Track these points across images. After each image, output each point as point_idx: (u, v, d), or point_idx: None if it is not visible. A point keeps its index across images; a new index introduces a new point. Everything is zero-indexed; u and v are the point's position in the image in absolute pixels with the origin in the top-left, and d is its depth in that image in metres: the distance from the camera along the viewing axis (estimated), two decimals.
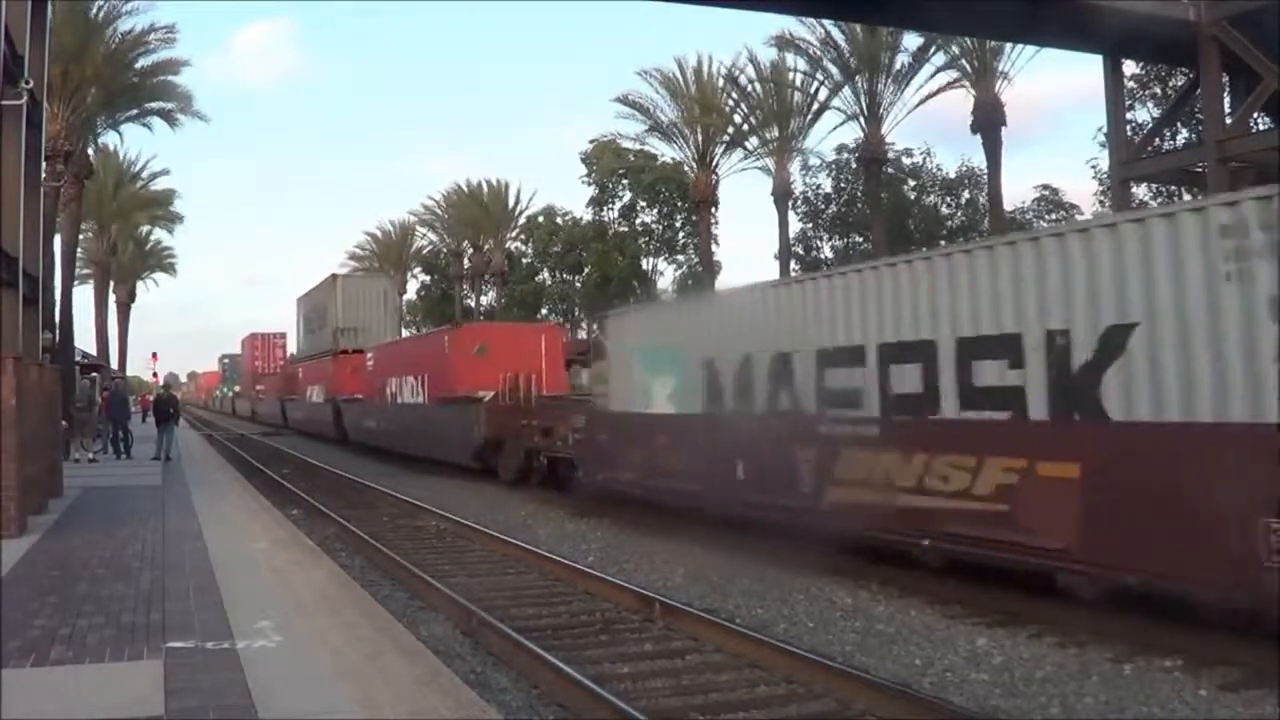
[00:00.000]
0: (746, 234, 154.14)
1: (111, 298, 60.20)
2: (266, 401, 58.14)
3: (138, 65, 33.38)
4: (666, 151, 47.13)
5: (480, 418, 20.93)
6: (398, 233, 74.79)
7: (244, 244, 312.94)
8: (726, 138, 42.97)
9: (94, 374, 33.18)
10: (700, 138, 43.43)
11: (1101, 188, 39.24)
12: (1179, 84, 30.60)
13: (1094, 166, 39.77)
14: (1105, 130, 30.32)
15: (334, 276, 38.78)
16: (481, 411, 20.90)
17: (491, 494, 19.04)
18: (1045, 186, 45.86)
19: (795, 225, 43.26)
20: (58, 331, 25.69)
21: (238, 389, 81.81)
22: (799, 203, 44.46)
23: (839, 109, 37.60)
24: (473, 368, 22.06)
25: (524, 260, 61.65)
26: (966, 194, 44.93)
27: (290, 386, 48.85)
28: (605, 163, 52.15)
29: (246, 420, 63.14)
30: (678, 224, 52.98)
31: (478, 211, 63.14)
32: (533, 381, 20.48)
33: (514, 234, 62.65)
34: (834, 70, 36.40)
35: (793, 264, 42.28)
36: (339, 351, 36.10)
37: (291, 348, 65.32)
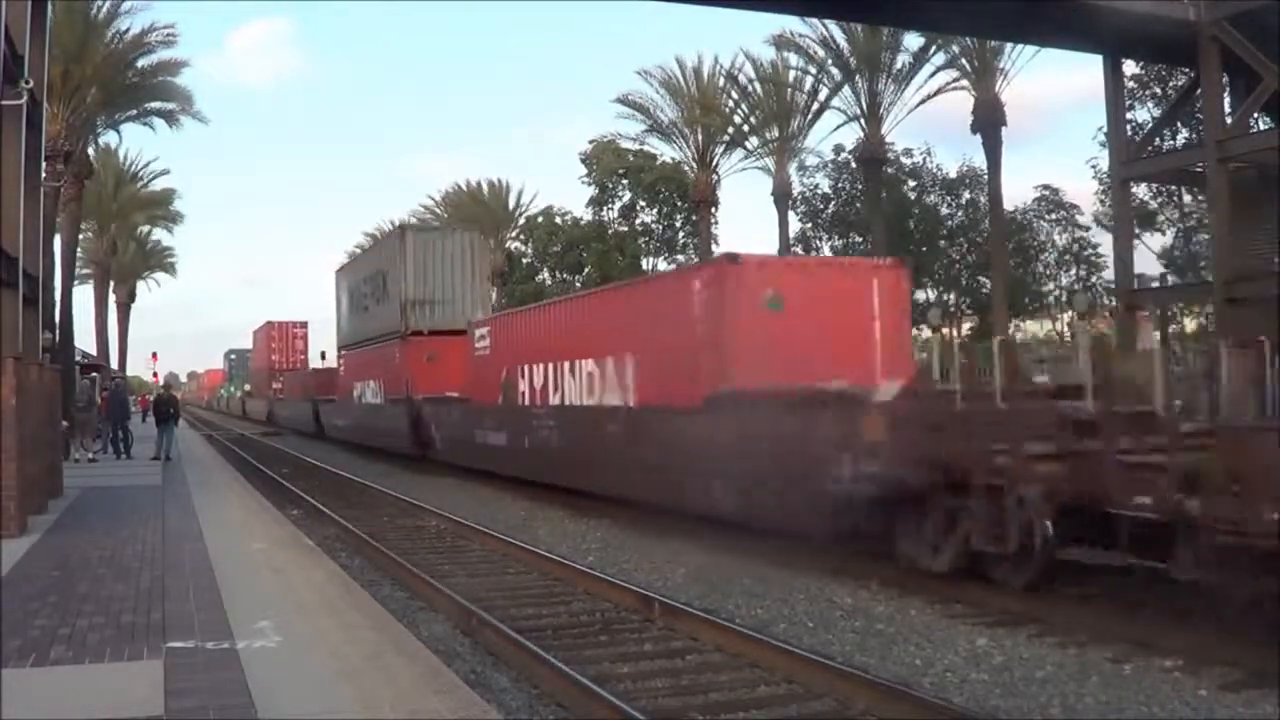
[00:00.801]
0: (746, 234, 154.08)
1: (111, 298, 60.26)
2: (290, 403, 49.39)
3: (138, 65, 33.41)
4: (666, 151, 47.21)
5: (867, 436, 9.89)
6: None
7: (244, 244, 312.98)
8: (726, 138, 43.00)
9: (94, 374, 33.17)
10: (700, 138, 43.47)
11: (1101, 188, 39.29)
12: (1179, 84, 30.62)
13: (1094, 166, 39.82)
14: (1105, 130, 30.36)
15: (402, 229, 28.38)
16: (875, 422, 9.88)
17: (488, 494, 19.04)
18: (1045, 186, 45.97)
19: (795, 225, 43.31)
20: (58, 331, 25.69)
21: (248, 387, 72.40)
22: (798, 203, 44.49)
23: (839, 109, 37.66)
24: (759, 336, 12.21)
25: (524, 260, 61.63)
26: (967, 194, 44.95)
27: (326, 384, 39.17)
28: (605, 163, 52.14)
29: (261, 424, 55.17)
30: (678, 224, 52.97)
31: (477, 211, 63.11)
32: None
33: (514, 234, 62.66)
34: (834, 70, 36.45)
35: None
36: (409, 334, 26.86)
37: (316, 339, 59.11)
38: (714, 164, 43.76)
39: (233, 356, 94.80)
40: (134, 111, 35.55)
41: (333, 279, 37.60)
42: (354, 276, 34.19)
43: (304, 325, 62.07)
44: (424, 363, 25.94)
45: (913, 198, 45.03)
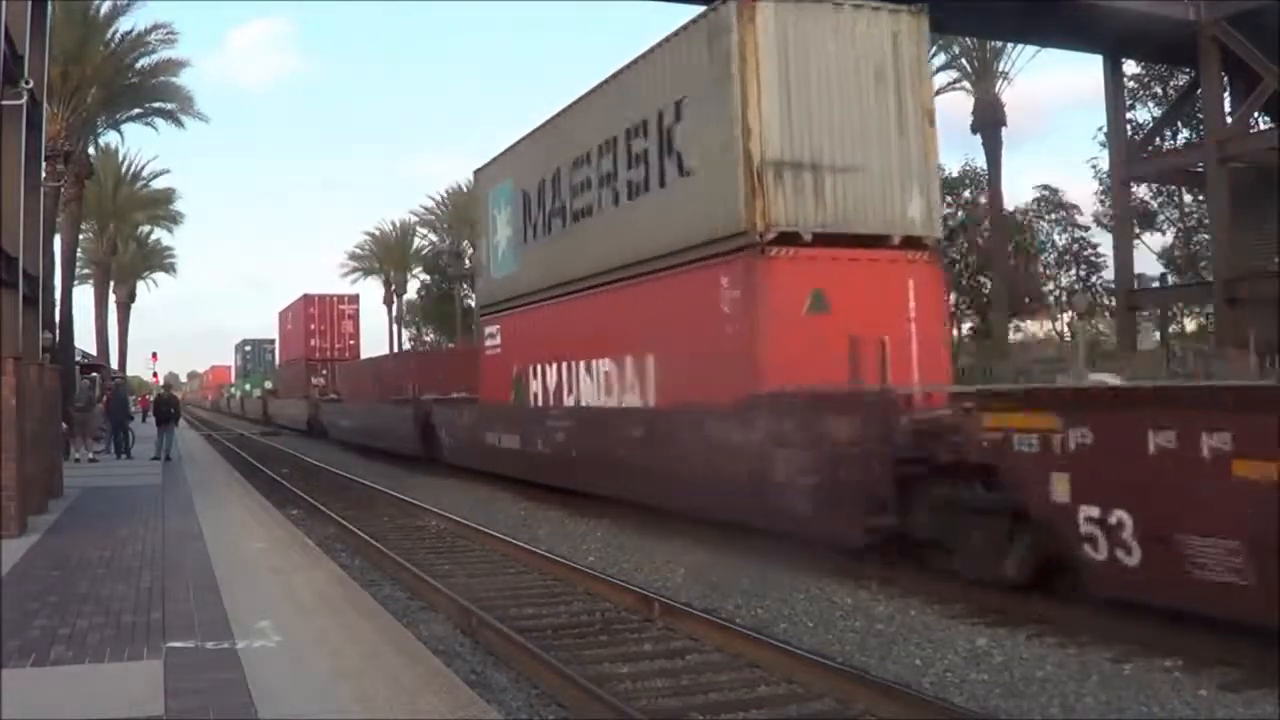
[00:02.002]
0: None
1: (111, 298, 60.24)
2: (351, 407, 34.22)
3: (138, 65, 33.45)
4: None
5: None
6: (398, 233, 74.84)
7: (244, 244, 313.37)
8: None
9: (94, 374, 33.17)
10: None
11: (1101, 187, 39.30)
12: (1179, 84, 30.63)
13: (1094, 166, 39.82)
14: (1105, 130, 30.38)
15: (751, 3, 11.82)
16: None
17: (488, 494, 19.03)
18: (1045, 186, 46.04)
19: None
20: (58, 331, 25.72)
21: (269, 385, 57.94)
22: None
23: None
24: None
25: None
26: (967, 193, 44.92)
27: (446, 376, 25.80)
28: None
29: (299, 433, 41.93)
30: None
31: (479, 211, 62.99)
32: None
33: None
34: None
35: None
36: (767, 242, 11.69)
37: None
38: None
39: (247, 348, 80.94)
40: (135, 111, 35.60)
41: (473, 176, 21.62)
42: (548, 157, 17.22)
43: (354, 300, 48.38)
44: (801, 315, 11.62)
45: None
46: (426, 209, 69.85)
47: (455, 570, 11.27)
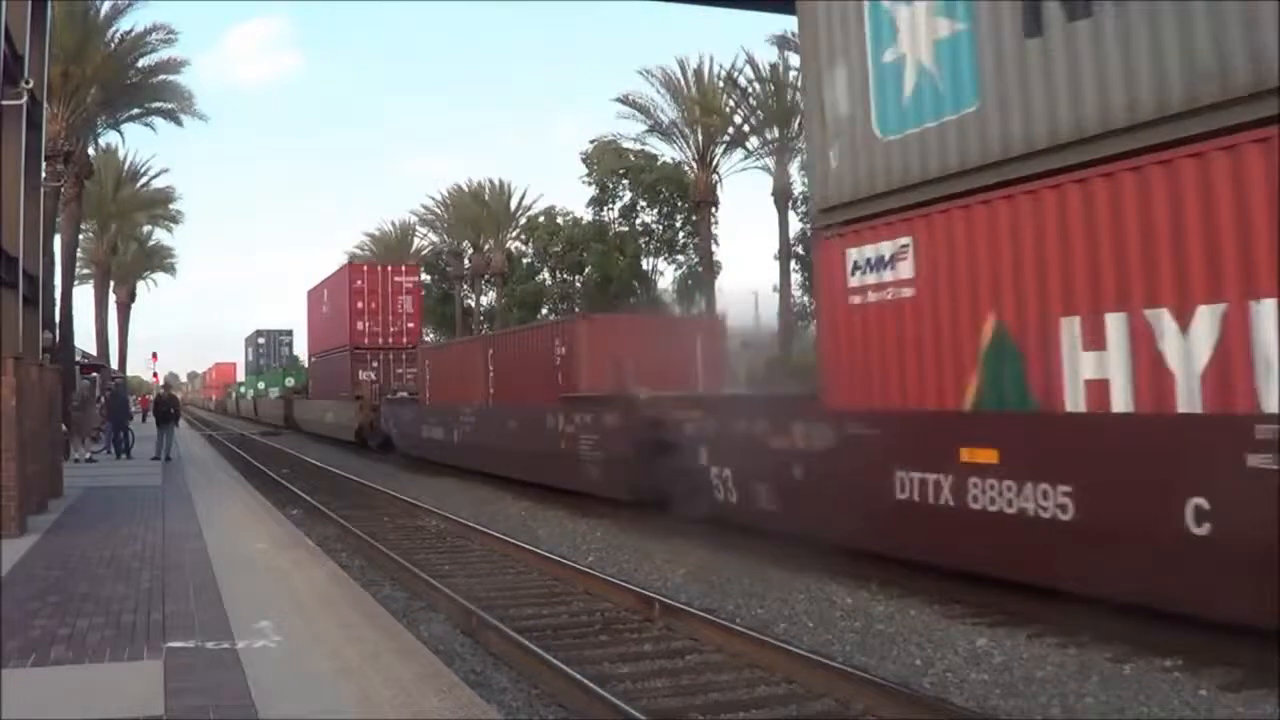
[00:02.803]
0: (746, 234, 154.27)
1: (111, 298, 60.14)
2: (459, 413, 21.94)
3: (138, 65, 33.45)
4: (667, 151, 47.20)
5: None
6: (398, 233, 74.83)
7: (244, 244, 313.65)
8: (727, 138, 42.99)
9: (94, 374, 33.15)
10: (700, 138, 43.46)
11: None
12: None
13: None
14: None
15: None
16: None
17: (488, 494, 19.04)
18: None
19: (795, 225, 43.27)
20: (58, 331, 25.69)
21: (292, 382, 49.31)
22: (798, 202, 44.51)
23: None
24: None
25: (524, 260, 61.63)
26: None
27: (665, 354, 15.75)
28: (605, 163, 52.14)
29: (342, 448, 32.22)
30: (678, 224, 52.96)
31: (478, 211, 63.14)
32: None
33: (514, 234, 62.67)
34: None
35: (792, 264, 42.34)
36: None
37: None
38: (714, 164, 43.76)
39: (260, 340, 69.29)
40: (136, 111, 35.58)
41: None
42: None
43: (414, 270, 39.20)
44: None
45: None
46: (426, 209, 69.80)
47: (455, 570, 11.28)
